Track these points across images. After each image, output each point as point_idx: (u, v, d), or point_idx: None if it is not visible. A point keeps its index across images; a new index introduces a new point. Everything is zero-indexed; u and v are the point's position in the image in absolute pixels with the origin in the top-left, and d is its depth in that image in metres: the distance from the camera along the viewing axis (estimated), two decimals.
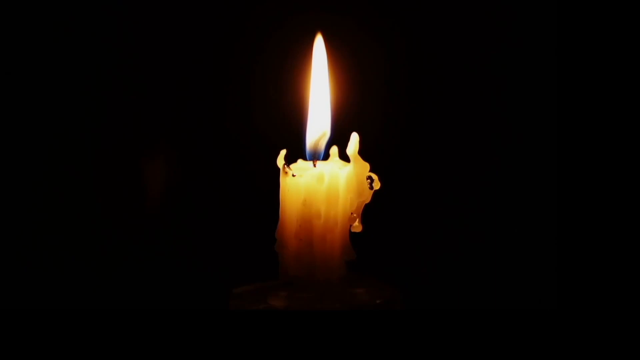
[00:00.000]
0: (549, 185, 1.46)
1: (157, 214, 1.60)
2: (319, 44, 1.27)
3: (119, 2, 1.53)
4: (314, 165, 1.20)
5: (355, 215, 1.18)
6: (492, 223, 1.57)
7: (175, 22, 1.57)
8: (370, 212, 1.19)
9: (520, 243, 1.54)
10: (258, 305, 1.16)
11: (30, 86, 1.53)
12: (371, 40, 1.58)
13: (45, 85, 1.54)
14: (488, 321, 1.21)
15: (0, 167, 1.53)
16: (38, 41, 1.52)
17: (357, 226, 1.19)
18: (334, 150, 1.19)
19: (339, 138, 1.21)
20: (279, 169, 1.18)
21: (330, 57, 1.29)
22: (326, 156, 1.21)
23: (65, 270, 1.54)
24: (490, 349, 1.17)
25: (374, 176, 1.18)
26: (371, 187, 1.18)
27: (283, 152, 1.17)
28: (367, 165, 1.18)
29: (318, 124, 1.23)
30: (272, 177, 1.19)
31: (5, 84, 1.52)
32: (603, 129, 1.34)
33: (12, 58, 1.51)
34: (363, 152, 1.17)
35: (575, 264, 1.30)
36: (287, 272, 1.18)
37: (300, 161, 1.21)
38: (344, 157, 1.19)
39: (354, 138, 1.17)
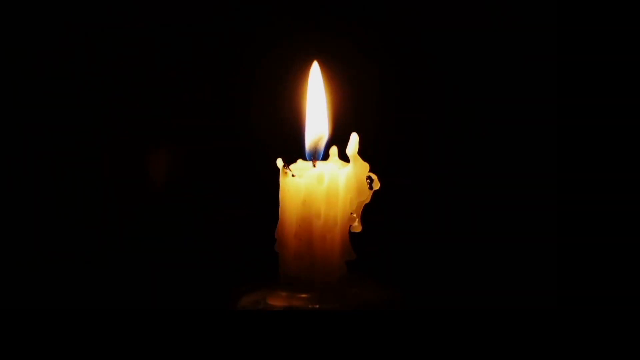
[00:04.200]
0: (548, 185, 1.46)
1: (157, 214, 1.60)
2: (315, 67, 1.27)
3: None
4: (314, 166, 1.20)
5: (354, 215, 1.18)
6: (492, 223, 1.57)
7: (178, 24, 1.57)
8: (370, 212, 1.19)
9: (520, 243, 1.54)
10: (258, 305, 1.16)
11: (29, 85, 1.53)
12: (371, 39, 1.58)
13: (42, 84, 1.54)
14: (488, 321, 1.21)
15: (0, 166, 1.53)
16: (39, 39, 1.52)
17: (356, 226, 1.19)
18: (334, 150, 1.19)
19: (338, 138, 1.21)
20: (278, 169, 1.18)
21: (329, 57, 1.29)
22: (326, 156, 1.21)
23: (66, 270, 1.54)
24: (490, 349, 1.17)
25: (374, 176, 1.18)
26: (371, 187, 1.18)
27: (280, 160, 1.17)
28: (366, 166, 1.18)
29: (316, 127, 1.23)
30: (272, 177, 1.19)
31: (5, 83, 1.52)
32: (603, 129, 1.34)
33: (13, 57, 1.52)
34: (363, 152, 1.18)
35: (575, 264, 1.30)
36: (287, 272, 1.18)
37: (300, 161, 1.21)
38: (343, 157, 1.19)
39: (354, 138, 1.17)
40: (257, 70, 1.59)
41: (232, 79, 1.60)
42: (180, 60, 1.59)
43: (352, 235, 1.19)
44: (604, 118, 1.34)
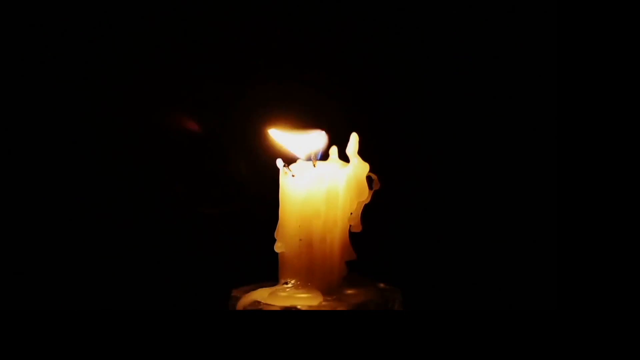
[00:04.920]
0: (548, 186, 1.46)
1: (157, 214, 1.60)
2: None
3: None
4: (314, 166, 1.19)
5: (354, 215, 1.18)
6: (492, 223, 1.57)
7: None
8: (371, 212, 1.19)
9: (520, 243, 1.54)
10: (258, 305, 1.16)
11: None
12: (367, 39, 1.58)
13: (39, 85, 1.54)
14: (488, 321, 1.21)
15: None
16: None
17: (356, 226, 1.19)
18: (334, 150, 1.19)
19: (338, 138, 1.21)
20: (278, 170, 1.18)
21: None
22: (325, 156, 1.21)
23: (66, 270, 1.54)
24: (491, 349, 1.17)
25: (374, 176, 1.18)
26: (371, 188, 1.18)
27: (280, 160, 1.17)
28: (367, 166, 1.17)
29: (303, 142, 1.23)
30: (272, 178, 1.19)
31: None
32: (603, 129, 1.34)
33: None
34: (362, 152, 1.18)
35: (575, 264, 1.30)
36: (287, 272, 1.18)
37: (300, 161, 1.21)
38: (343, 157, 1.19)
39: (354, 138, 1.17)
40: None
41: (235, 81, 1.60)
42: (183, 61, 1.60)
43: (352, 235, 1.19)
44: (605, 118, 1.34)
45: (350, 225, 1.19)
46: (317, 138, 1.21)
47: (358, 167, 1.17)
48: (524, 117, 1.56)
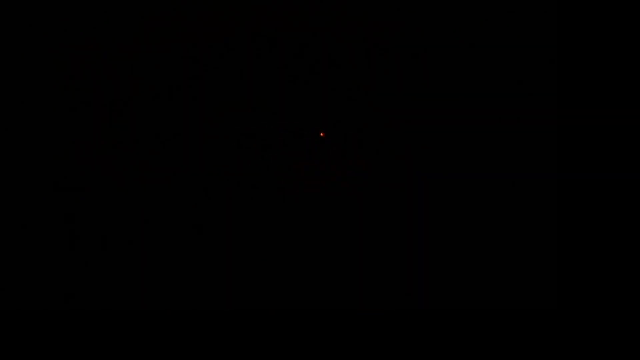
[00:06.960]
0: (549, 186, 1.46)
1: (157, 214, 1.60)
2: None
3: None
4: None
5: None
6: (492, 223, 1.57)
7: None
8: (371, 213, 1.19)
9: (520, 243, 1.54)
10: None
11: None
12: (365, 38, 1.58)
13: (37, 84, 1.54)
14: (488, 321, 1.21)
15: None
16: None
17: None
18: None
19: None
20: (278, 169, 1.18)
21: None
22: None
23: (67, 270, 1.54)
24: (490, 349, 1.17)
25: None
26: None
27: None
28: None
29: None
30: (271, 178, 1.19)
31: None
32: (603, 128, 1.34)
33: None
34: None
35: (575, 264, 1.30)
36: None
37: None
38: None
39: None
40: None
41: (238, 86, 1.60)
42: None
43: None
44: (604, 118, 1.34)
45: None
46: None
47: None
48: (526, 116, 1.56)
